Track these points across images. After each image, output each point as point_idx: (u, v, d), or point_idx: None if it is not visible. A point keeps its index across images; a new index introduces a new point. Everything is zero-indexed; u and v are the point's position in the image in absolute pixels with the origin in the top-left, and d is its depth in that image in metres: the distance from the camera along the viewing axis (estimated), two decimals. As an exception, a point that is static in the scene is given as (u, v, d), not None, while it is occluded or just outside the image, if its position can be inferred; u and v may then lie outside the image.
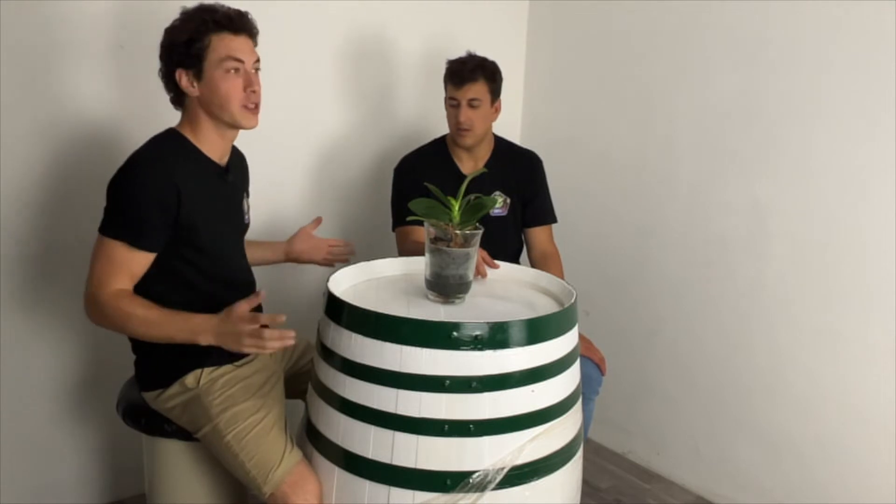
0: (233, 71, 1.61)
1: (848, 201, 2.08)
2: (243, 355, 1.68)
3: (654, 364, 2.66)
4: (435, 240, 1.61)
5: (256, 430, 1.62)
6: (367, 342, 1.46)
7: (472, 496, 1.42)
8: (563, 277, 2.14)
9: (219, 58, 1.61)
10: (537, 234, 2.33)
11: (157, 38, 2.16)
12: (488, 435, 1.43)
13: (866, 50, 2.00)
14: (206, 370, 1.68)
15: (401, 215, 2.27)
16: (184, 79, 1.63)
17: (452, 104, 2.18)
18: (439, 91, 2.60)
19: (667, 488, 2.58)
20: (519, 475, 1.45)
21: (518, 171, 2.30)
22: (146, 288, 1.61)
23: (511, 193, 2.28)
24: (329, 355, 1.55)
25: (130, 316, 1.55)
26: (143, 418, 1.81)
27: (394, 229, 2.32)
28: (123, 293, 1.57)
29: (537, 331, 1.47)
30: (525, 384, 1.45)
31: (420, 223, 2.22)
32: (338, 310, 1.53)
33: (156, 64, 2.17)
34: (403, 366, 1.42)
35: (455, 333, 1.40)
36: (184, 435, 1.77)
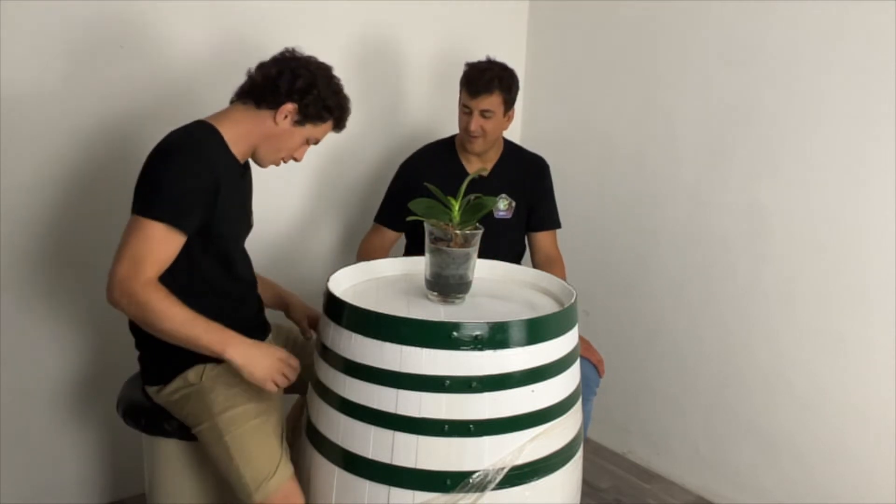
0: (306, 144, 1.77)
1: (848, 201, 2.08)
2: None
3: (654, 364, 2.66)
4: (435, 240, 1.61)
5: (256, 436, 1.62)
6: (367, 342, 1.46)
7: (472, 496, 1.42)
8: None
9: (315, 135, 1.75)
10: (542, 238, 2.33)
11: (157, 37, 2.19)
12: (488, 435, 1.43)
13: (867, 50, 2.00)
14: (209, 366, 1.68)
15: (382, 210, 2.35)
16: (286, 111, 1.68)
17: (465, 111, 2.17)
18: (440, 91, 2.61)
19: (667, 488, 2.58)
20: (519, 475, 1.45)
21: (525, 175, 2.30)
22: None
23: (517, 197, 2.28)
24: (329, 355, 1.55)
25: (161, 312, 1.52)
26: (143, 418, 1.81)
27: (374, 219, 2.36)
28: (157, 285, 1.54)
29: (537, 331, 1.47)
30: (525, 384, 1.45)
31: (395, 228, 2.28)
32: (338, 310, 1.53)
33: (155, 63, 2.19)
34: (403, 366, 1.42)
35: (455, 333, 1.40)
36: (184, 434, 1.77)
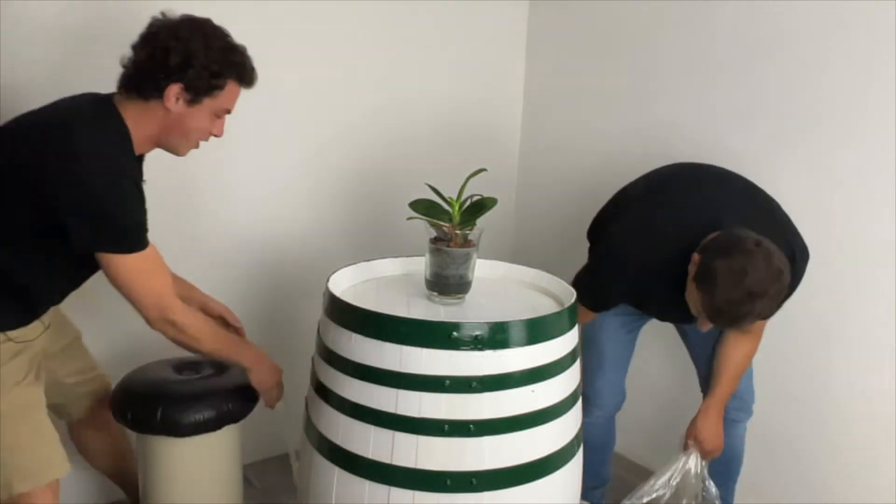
0: (218, 118, 1.64)
1: (848, 201, 2.08)
2: (26, 323, 1.61)
3: (653, 364, 2.66)
4: (435, 240, 1.61)
5: (36, 421, 1.61)
6: (367, 342, 1.46)
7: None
8: (748, 363, 2.01)
9: (220, 104, 1.61)
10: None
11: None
12: (488, 435, 1.43)
13: (867, 50, 2.00)
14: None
15: (605, 297, 1.96)
16: (173, 93, 1.54)
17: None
18: (434, 90, 2.61)
19: (667, 488, 2.58)
20: (519, 475, 1.45)
21: None
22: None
23: None
24: (329, 355, 1.55)
25: (205, 333, 1.69)
26: (130, 412, 1.81)
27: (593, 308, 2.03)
28: (183, 308, 1.65)
29: (537, 331, 1.47)
30: (525, 384, 1.46)
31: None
32: (338, 310, 1.53)
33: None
34: (403, 366, 1.42)
35: (455, 333, 1.40)
36: (171, 430, 1.78)
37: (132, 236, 1.54)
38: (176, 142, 1.63)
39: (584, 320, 1.91)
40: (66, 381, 1.87)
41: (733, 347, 1.96)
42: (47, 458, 1.61)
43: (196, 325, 1.66)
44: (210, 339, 1.70)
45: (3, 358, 1.56)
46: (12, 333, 1.59)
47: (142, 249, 1.55)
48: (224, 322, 1.96)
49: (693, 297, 1.70)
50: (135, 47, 1.56)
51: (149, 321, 1.62)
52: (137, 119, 1.57)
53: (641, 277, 1.84)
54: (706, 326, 1.73)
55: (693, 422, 2.00)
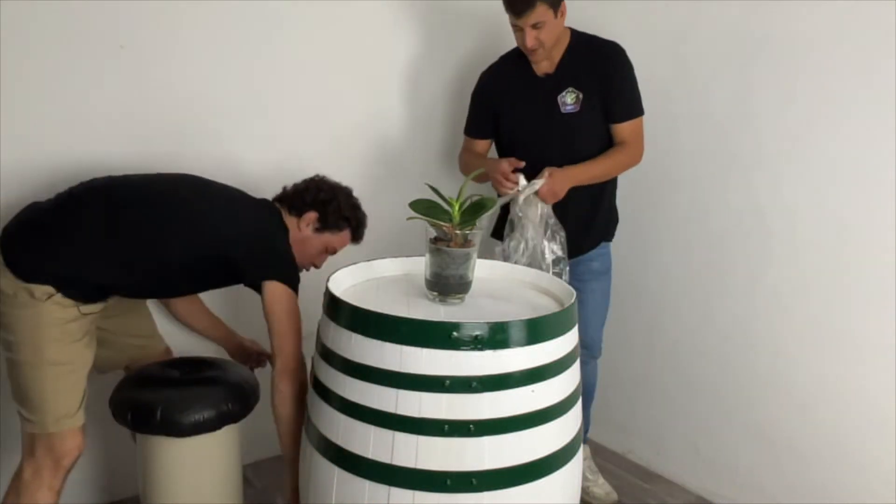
0: (326, 252, 2.05)
1: (848, 201, 2.08)
2: (96, 300, 1.79)
3: (654, 364, 2.66)
4: (435, 240, 1.61)
5: (70, 378, 1.74)
6: (367, 342, 1.46)
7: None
8: (621, 165, 2.26)
9: (333, 242, 2.04)
10: (617, 130, 2.24)
11: (157, 37, 2.19)
12: (488, 435, 1.43)
13: (867, 49, 2.00)
14: (58, 296, 1.71)
15: (468, 123, 2.45)
16: (308, 219, 1.99)
17: (516, 30, 2.16)
18: (438, 89, 2.60)
19: (667, 488, 2.58)
20: (519, 475, 1.45)
21: (593, 64, 2.22)
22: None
23: (584, 89, 2.21)
24: (329, 355, 1.55)
25: (299, 420, 1.77)
26: (130, 412, 1.81)
27: (464, 132, 2.47)
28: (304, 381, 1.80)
29: (537, 331, 1.47)
30: (525, 384, 1.45)
31: (481, 136, 2.41)
32: (338, 310, 1.53)
33: (155, 63, 2.19)
34: (403, 366, 1.42)
35: (455, 333, 1.40)
36: (170, 430, 1.78)
37: (295, 272, 1.85)
38: (296, 258, 1.94)
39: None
40: (112, 339, 1.98)
41: (616, 150, 2.25)
42: (77, 409, 1.76)
43: (300, 407, 1.76)
44: (298, 429, 1.76)
45: (70, 318, 1.74)
46: (84, 308, 1.76)
47: (295, 290, 1.82)
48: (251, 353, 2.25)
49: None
50: (297, 183, 2.04)
51: (280, 367, 1.77)
52: (290, 225, 1.99)
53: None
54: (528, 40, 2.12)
55: (556, 171, 2.14)
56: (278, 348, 1.78)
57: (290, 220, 1.98)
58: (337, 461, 1.51)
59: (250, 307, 1.95)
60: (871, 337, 2.05)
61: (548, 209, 2.12)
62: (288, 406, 1.76)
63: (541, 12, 2.09)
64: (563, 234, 2.12)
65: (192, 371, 1.98)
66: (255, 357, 2.24)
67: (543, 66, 2.25)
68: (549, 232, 2.11)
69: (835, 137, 2.09)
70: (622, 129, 2.23)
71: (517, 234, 2.12)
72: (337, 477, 1.51)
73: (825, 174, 2.12)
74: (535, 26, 2.11)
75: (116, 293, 1.84)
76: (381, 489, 1.45)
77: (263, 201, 2.00)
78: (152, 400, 1.83)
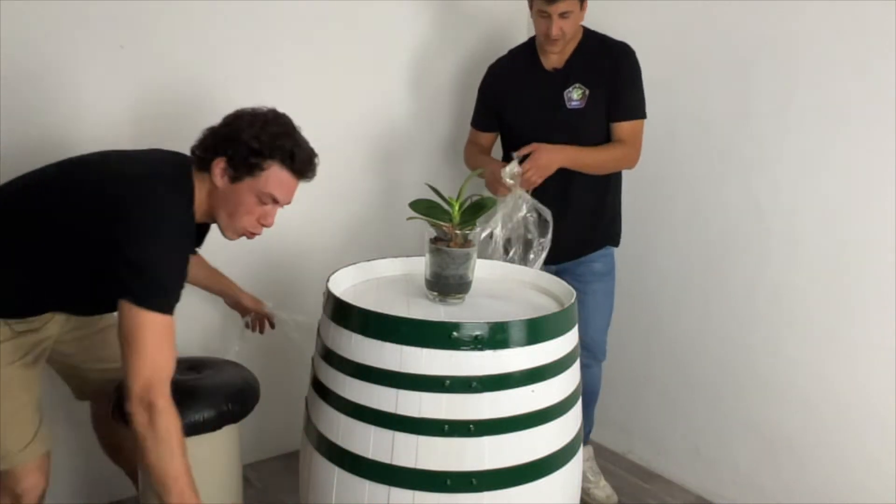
0: (263, 203, 1.60)
1: (848, 201, 2.08)
2: (25, 315, 1.62)
3: (654, 364, 2.66)
4: (435, 240, 1.61)
5: (13, 403, 1.58)
6: (367, 342, 1.46)
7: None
8: (613, 160, 2.24)
9: (263, 188, 1.57)
10: (616, 129, 2.24)
11: (157, 37, 2.19)
12: (488, 435, 1.43)
13: (867, 49, 2.00)
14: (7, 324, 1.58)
15: (475, 115, 2.46)
16: (218, 169, 1.57)
17: (543, 16, 2.15)
18: (438, 90, 2.60)
19: (667, 488, 2.58)
20: (519, 475, 1.45)
21: (601, 63, 2.24)
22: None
23: (591, 86, 2.22)
24: (329, 355, 1.55)
25: (174, 446, 1.46)
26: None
27: (470, 124, 2.48)
28: (175, 412, 1.47)
29: (537, 331, 1.47)
30: (525, 384, 1.45)
31: (487, 129, 2.42)
32: (338, 310, 1.53)
33: (155, 65, 2.19)
34: (403, 366, 1.42)
35: (455, 333, 1.40)
36: None
37: (161, 294, 1.47)
38: (223, 221, 1.62)
39: None
40: (82, 367, 1.84)
41: (613, 144, 2.24)
42: (27, 443, 1.58)
43: (172, 431, 1.46)
44: (173, 458, 1.46)
45: (1, 338, 1.57)
46: (12, 322, 1.60)
47: (169, 314, 1.47)
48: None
49: None
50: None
51: (130, 393, 1.45)
52: (199, 189, 1.60)
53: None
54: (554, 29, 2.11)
55: (544, 145, 2.14)
56: (131, 372, 1.47)
57: (204, 178, 1.59)
58: (337, 461, 1.51)
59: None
60: (871, 337, 2.05)
61: (524, 201, 2.07)
62: (163, 430, 1.44)
63: (571, 2, 2.11)
64: (536, 231, 2.08)
65: (191, 371, 1.98)
66: (252, 315, 2.09)
67: (553, 59, 2.26)
68: (521, 224, 2.06)
69: (834, 137, 2.09)
70: (621, 129, 2.24)
71: (488, 222, 2.07)
72: (337, 477, 1.51)
73: (825, 174, 2.12)
74: (562, 15, 2.11)
75: (47, 308, 1.65)
76: (381, 489, 1.45)
77: (164, 172, 1.60)
78: (152, 400, 1.82)
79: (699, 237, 2.47)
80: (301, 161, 1.58)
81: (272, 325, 2.13)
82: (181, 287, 1.51)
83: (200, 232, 1.71)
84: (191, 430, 1.82)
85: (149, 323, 1.44)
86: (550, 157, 2.12)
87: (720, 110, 2.36)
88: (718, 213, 2.40)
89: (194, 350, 2.24)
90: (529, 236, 2.06)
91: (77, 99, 2.09)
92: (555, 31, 2.13)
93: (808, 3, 2.11)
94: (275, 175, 1.57)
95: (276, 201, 1.60)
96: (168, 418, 1.45)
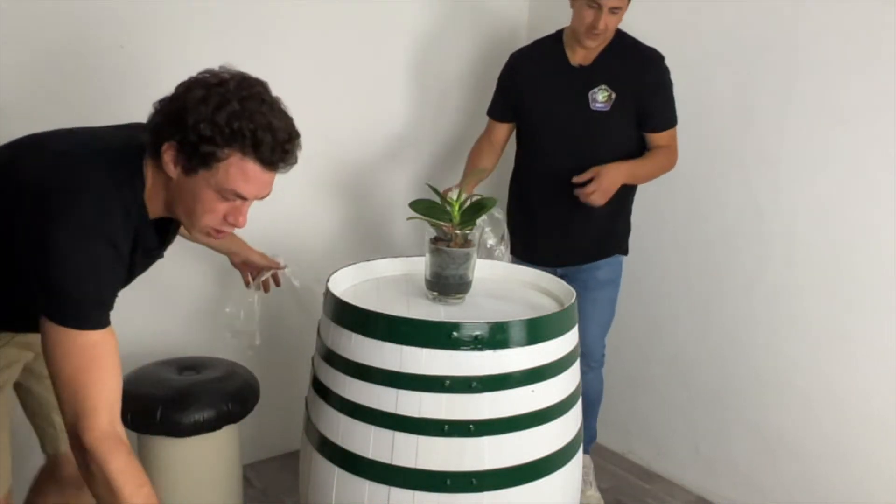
0: (227, 200, 1.26)
1: (848, 201, 2.08)
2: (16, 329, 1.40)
3: (653, 364, 2.66)
4: (435, 240, 1.61)
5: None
6: (367, 342, 1.46)
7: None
8: (663, 168, 2.24)
9: (224, 184, 1.23)
10: (655, 138, 2.22)
11: (157, 38, 2.18)
12: (488, 435, 1.43)
13: (866, 49, 2.00)
14: None
15: (493, 103, 2.39)
16: (168, 156, 1.23)
17: (592, 6, 2.08)
18: (439, 91, 2.60)
19: (667, 488, 2.58)
20: (519, 475, 1.45)
21: (631, 68, 2.19)
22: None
23: (618, 90, 2.18)
24: (329, 355, 1.55)
25: (120, 487, 1.17)
26: (129, 412, 1.81)
27: (486, 113, 2.41)
28: (128, 453, 1.20)
29: (537, 331, 1.47)
30: (525, 384, 1.45)
31: (503, 119, 2.35)
32: (338, 310, 1.53)
33: (155, 66, 2.19)
34: (403, 366, 1.42)
35: (455, 333, 1.40)
36: (169, 430, 1.77)
37: (74, 307, 1.18)
38: (183, 220, 1.31)
39: None
40: (40, 413, 1.63)
41: (657, 152, 2.23)
42: None
43: (110, 471, 1.17)
44: (117, 499, 1.17)
45: None
46: None
47: (88, 328, 1.18)
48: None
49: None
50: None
51: (68, 430, 1.20)
52: (154, 177, 1.29)
53: None
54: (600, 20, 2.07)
55: (605, 167, 2.12)
56: (60, 405, 1.22)
57: (156, 167, 1.27)
58: (337, 461, 1.51)
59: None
60: (871, 337, 2.06)
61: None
62: (116, 474, 1.17)
63: None
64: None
65: (191, 371, 1.98)
66: (262, 275, 1.86)
67: (580, 55, 2.21)
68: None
69: (834, 137, 2.09)
70: (660, 138, 2.21)
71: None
72: (337, 477, 1.52)
73: (824, 175, 2.12)
74: (612, 10, 2.08)
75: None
76: (381, 489, 1.45)
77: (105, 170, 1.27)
78: (152, 400, 1.83)
79: (699, 236, 2.47)
80: (269, 148, 1.22)
81: (277, 283, 1.95)
82: (104, 293, 1.23)
83: (165, 229, 1.41)
84: (191, 430, 1.83)
85: (66, 342, 1.18)
86: (613, 179, 2.10)
87: (720, 110, 2.36)
88: (718, 213, 2.40)
89: (194, 350, 2.23)
90: (490, 241, 2.02)
91: (77, 99, 2.09)
92: (602, 23, 2.08)
93: (808, 4, 2.11)
94: (236, 166, 1.22)
95: (240, 197, 1.26)
96: (100, 456, 1.17)
